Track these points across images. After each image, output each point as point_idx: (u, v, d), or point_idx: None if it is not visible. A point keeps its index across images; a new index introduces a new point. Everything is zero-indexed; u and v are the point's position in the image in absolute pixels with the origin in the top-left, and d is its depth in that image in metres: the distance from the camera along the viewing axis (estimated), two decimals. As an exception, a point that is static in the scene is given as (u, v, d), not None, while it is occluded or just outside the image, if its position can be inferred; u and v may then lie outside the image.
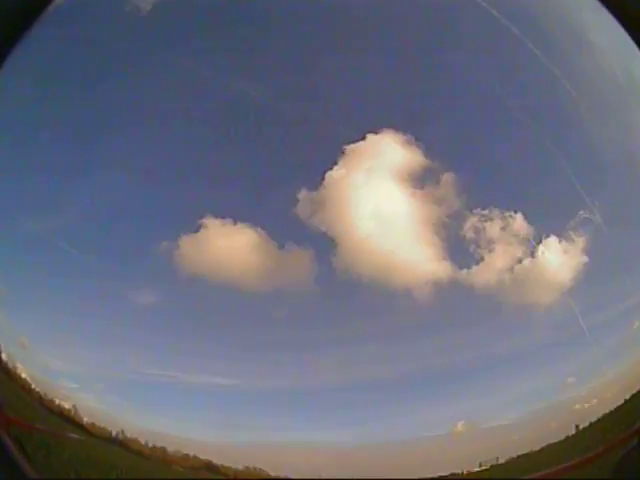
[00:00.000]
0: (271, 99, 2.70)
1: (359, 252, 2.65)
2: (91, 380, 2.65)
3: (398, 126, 2.59)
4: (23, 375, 2.58)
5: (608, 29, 2.47)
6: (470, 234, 2.66)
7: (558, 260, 2.66)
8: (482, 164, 2.78)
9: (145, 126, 2.79)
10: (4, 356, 2.56)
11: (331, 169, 2.62)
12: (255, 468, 2.44)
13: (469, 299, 2.65)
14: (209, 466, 2.48)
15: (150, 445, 2.53)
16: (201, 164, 2.79)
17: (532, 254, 2.66)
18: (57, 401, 2.58)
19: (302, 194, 2.63)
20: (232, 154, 2.77)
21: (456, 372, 2.63)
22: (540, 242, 2.64)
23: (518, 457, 2.44)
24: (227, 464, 2.46)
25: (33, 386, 2.58)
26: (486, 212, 2.63)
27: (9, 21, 2.15)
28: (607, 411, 2.46)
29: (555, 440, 2.48)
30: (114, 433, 2.54)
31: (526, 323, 2.70)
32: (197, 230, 2.62)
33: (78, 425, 2.58)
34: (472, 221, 2.65)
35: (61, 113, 2.85)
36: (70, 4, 2.63)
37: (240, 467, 2.44)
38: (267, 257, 2.70)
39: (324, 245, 2.62)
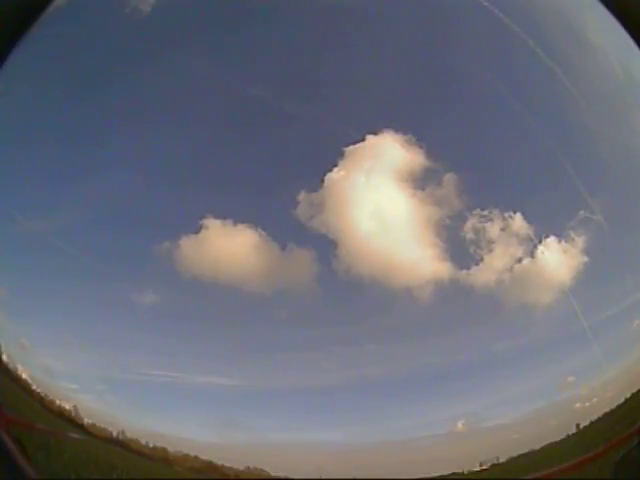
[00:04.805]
0: (271, 100, 2.70)
1: (360, 253, 2.65)
2: (92, 381, 2.65)
3: (398, 127, 2.60)
4: (24, 376, 2.58)
5: (608, 29, 2.47)
6: (470, 234, 2.67)
7: (558, 260, 2.66)
8: (483, 164, 2.78)
9: (145, 126, 2.80)
10: (4, 357, 2.56)
11: (331, 170, 2.62)
12: (256, 468, 2.44)
13: (469, 299, 2.65)
14: (210, 466, 2.48)
15: (151, 445, 2.53)
16: (201, 165, 2.79)
17: (532, 254, 2.67)
18: (58, 402, 2.58)
19: (303, 195, 2.63)
20: (232, 155, 2.78)
21: (456, 371, 2.63)
22: (540, 242, 2.65)
23: (518, 456, 2.44)
24: (228, 464, 2.46)
25: (34, 387, 2.58)
26: (486, 212, 2.63)
27: (9, 21, 2.15)
28: (608, 410, 2.46)
29: (555, 439, 2.48)
30: (115, 433, 2.54)
31: (526, 323, 2.70)
32: (198, 231, 2.63)
33: (78, 426, 2.58)
34: (472, 221, 2.65)
35: (62, 113, 2.84)
36: (70, 4, 2.63)
37: (241, 467, 2.44)
38: (268, 258, 2.70)
39: (325, 246, 2.63)
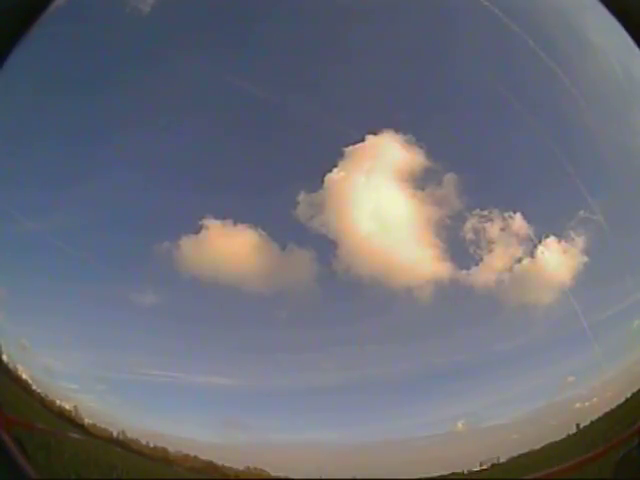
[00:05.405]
0: (272, 100, 2.70)
1: (360, 253, 2.65)
2: (92, 381, 2.65)
3: (398, 127, 2.60)
4: (24, 376, 2.58)
5: (608, 29, 2.47)
6: (470, 234, 2.67)
7: (558, 260, 2.66)
8: (483, 164, 2.78)
9: (145, 126, 2.79)
10: (5, 357, 2.56)
11: (331, 170, 2.62)
12: (256, 468, 2.44)
13: (469, 299, 2.65)
14: (210, 466, 2.48)
15: (151, 445, 2.53)
16: (202, 165, 2.79)
17: (532, 254, 2.67)
18: (58, 402, 2.58)
19: (303, 195, 2.63)
20: (233, 155, 2.78)
21: (456, 371, 2.63)
22: (540, 242, 2.65)
23: (519, 456, 2.44)
24: (228, 464, 2.46)
25: (34, 387, 2.58)
26: (486, 212, 2.63)
27: (10, 20, 2.14)
28: (608, 410, 2.46)
29: (556, 439, 2.48)
30: (115, 433, 2.54)
31: (526, 323, 2.71)
32: (198, 231, 2.63)
33: (79, 426, 2.58)
34: (472, 221, 2.66)
35: (62, 114, 2.84)
36: (71, 3, 2.62)
37: (241, 467, 2.44)
38: (268, 258, 2.70)
39: (325, 246, 2.63)
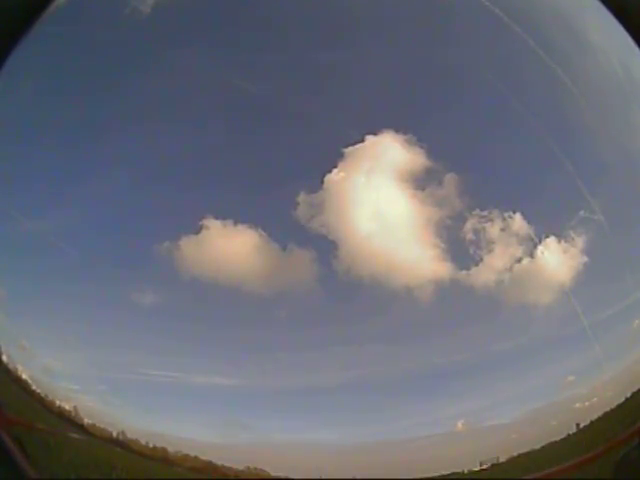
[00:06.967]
0: (272, 100, 2.70)
1: (360, 253, 2.65)
2: (92, 381, 2.65)
3: (398, 127, 2.60)
4: (24, 376, 2.58)
5: (608, 29, 2.48)
6: (470, 235, 2.67)
7: (558, 260, 2.66)
8: (483, 164, 2.78)
9: (145, 126, 2.79)
10: (4, 358, 2.56)
11: (331, 171, 2.62)
12: (256, 468, 2.44)
13: (469, 299, 2.65)
14: (210, 466, 2.48)
15: (151, 446, 2.53)
16: (202, 165, 2.79)
17: (532, 254, 2.67)
18: (58, 402, 2.58)
19: (303, 195, 2.63)
20: (233, 155, 2.78)
21: (456, 371, 2.63)
22: (540, 242, 2.65)
23: (518, 456, 2.44)
24: (228, 464, 2.46)
25: (34, 387, 2.58)
26: (486, 213, 2.63)
27: (10, 20, 2.15)
28: (608, 409, 2.47)
29: (556, 439, 2.48)
30: (115, 434, 2.54)
31: (526, 322, 2.71)
32: (198, 231, 2.62)
33: (79, 426, 2.57)
34: (472, 222, 2.65)
35: (62, 113, 2.84)
36: (71, 3, 2.62)
37: (241, 467, 2.44)
38: (268, 258, 2.70)
39: (325, 246, 2.62)
